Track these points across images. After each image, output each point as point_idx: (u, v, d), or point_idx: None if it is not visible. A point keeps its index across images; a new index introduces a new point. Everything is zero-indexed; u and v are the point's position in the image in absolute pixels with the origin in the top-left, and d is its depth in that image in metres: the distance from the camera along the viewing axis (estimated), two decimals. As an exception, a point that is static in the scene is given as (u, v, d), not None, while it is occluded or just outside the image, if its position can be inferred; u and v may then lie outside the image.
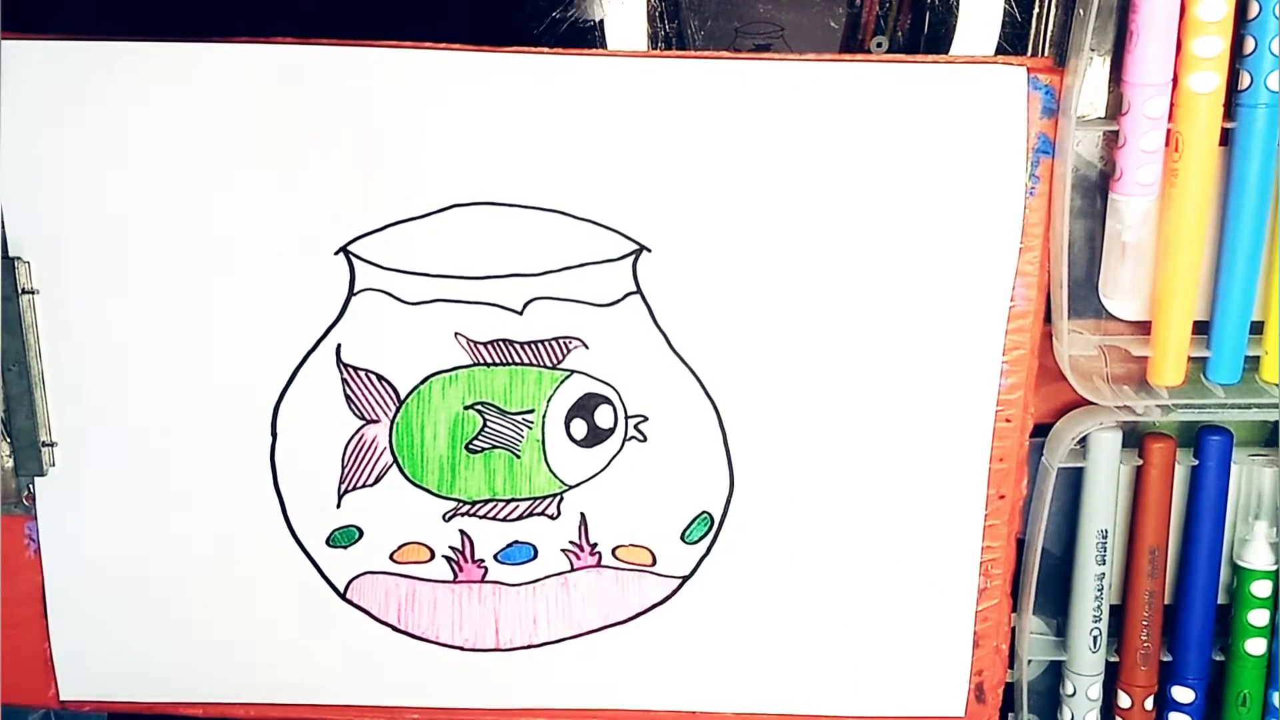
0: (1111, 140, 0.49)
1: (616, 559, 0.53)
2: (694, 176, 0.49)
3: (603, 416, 0.51)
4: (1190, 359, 0.51)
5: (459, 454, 0.52)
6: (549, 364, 0.51)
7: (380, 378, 0.51)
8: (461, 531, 0.53)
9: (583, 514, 0.52)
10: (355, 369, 0.51)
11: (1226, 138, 0.48)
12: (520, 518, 0.52)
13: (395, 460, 0.52)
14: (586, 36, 0.50)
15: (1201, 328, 0.51)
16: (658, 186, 0.49)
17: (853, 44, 0.50)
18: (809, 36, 0.50)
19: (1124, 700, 0.56)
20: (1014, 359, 0.51)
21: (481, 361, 0.50)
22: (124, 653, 0.54)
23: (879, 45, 0.50)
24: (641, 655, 0.54)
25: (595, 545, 0.53)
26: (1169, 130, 0.48)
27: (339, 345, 0.51)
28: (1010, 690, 0.56)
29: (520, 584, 0.53)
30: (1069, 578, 0.54)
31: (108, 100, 0.48)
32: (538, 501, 0.52)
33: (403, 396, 0.51)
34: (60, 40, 0.48)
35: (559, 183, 0.49)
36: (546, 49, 0.48)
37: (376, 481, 0.52)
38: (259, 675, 0.55)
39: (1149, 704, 0.56)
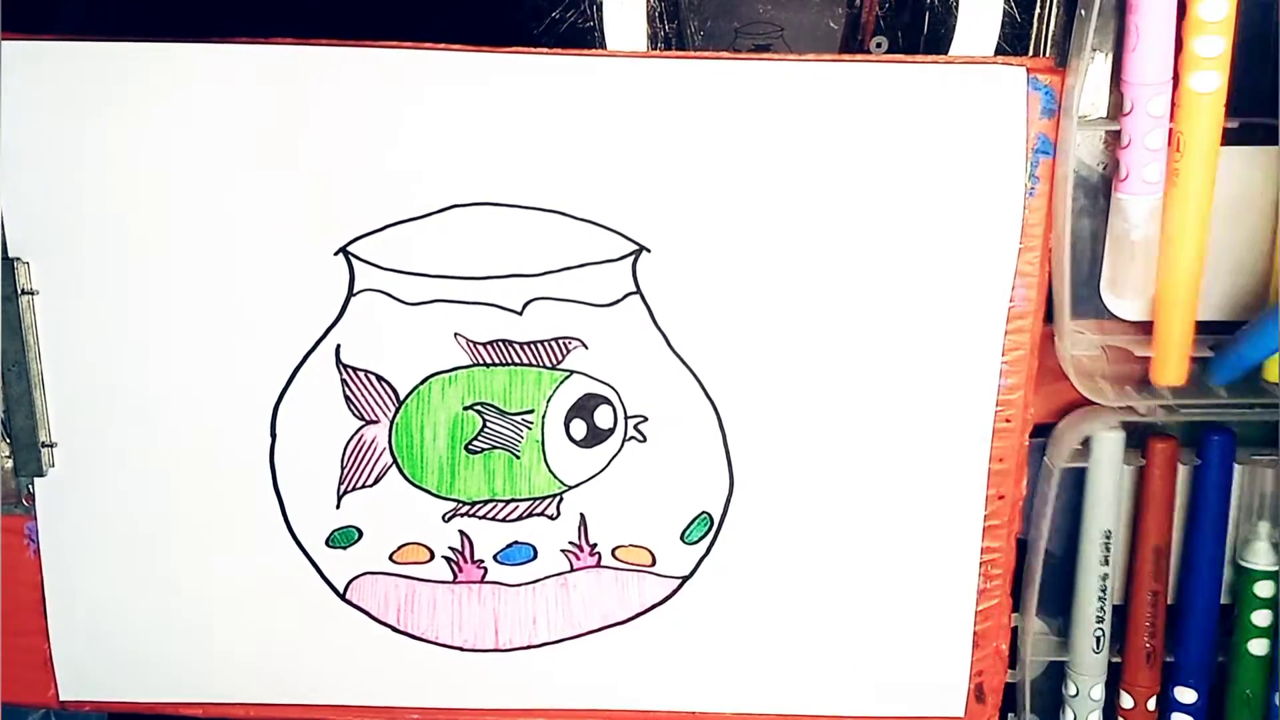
0: (1112, 140, 0.49)
1: (616, 559, 0.53)
2: (694, 177, 0.49)
3: (602, 417, 0.51)
4: (1192, 359, 0.51)
5: (458, 454, 0.52)
6: (548, 364, 0.51)
7: (380, 378, 0.51)
8: (461, 532, 0.53)
9: (582, 514, 0.52)
10: (355, 369, 0.51)
11: (1228, 137, 0.48)
12: (520, 518, 0.52)
13: (395, 461, 0.52)
14: (586, 36, 0.50)
15: (1204, 328, 0.51)
16: (657, 187, 0.49)
17: (853, 44, 0.50)
18: (809, 36, 0.50)
19: (1126, 701, 0.55)
20: (1014, 359, 0.50)
21: (481, 362, 0.50)
22: (124, 653, 0.55)
23: (879, 45, 0.50)
24: (641, 655, 0.54)
25: (595, 545, 0.53)
26: (1170, 130, 0.47)
27: (338, 346, 0.51)
28: (1012, 690, 0.56)
29: (520, 584, 0.53)
30: (1071, 578, 0.54)
31: (108, 100, 0.48)
32: (537, 502, 0.52)
33: (402, 397, 0.51)
34: (60, 40, 0.48)
35: (558, 183, 0.49)
36: (546, 49, 0.48)
37: (376, 482, 0.52)
38: (259, 675, 0.55)
39: (1151, 704, 0.55)
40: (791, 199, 0.49)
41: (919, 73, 0.48)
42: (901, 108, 0.48)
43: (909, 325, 0.50)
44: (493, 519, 0.52)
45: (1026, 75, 0.47)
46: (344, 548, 0.53)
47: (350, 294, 0.50)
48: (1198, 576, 0.54)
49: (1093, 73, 0.48)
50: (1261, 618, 0.54)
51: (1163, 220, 0.49)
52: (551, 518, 0.52)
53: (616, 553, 0.53)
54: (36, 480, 0.52)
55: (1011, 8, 0.49)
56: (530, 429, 0.51)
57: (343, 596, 0.54)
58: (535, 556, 0.53)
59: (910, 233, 0.49)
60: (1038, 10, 0.49)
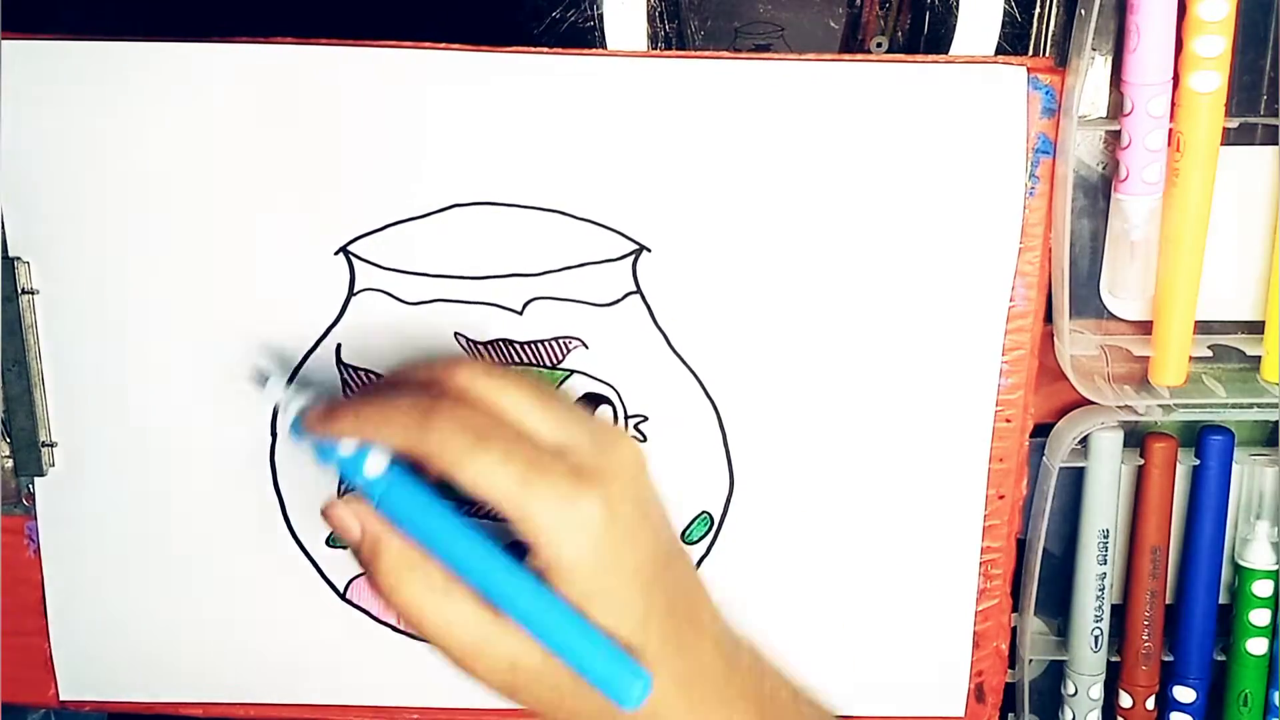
0: (1112, 140, 0.49)
1: (617, 559, 0.53)
2: (694, 176, 0.49)
3: (603, 416, 0.51)
4: (1191, 358, 0.51)
5: (459, 454, 0.51)
6: (549, 364, 0.51)
7: (380, 377, 0.51)
8: (461, 531, 0.53)
9: (583, 514, 0.52)
10: (355, 369, 0.51)
11: (1228, 137, 0.48)
12: (520, 518, 0.52)
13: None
14: (586, 36, 0.50)
15: (1203, 328, 0.51)
16: (657, 186, 0.49)
17: (853, 44, 0.50)
18: (809, 36, 0.50)
19: (1125, 700, 0.56)
20: (1014, 359, 0.50)
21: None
22: (124, 653, 0.54)
23: (879, 45, 0.50)
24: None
25: (595, 545, 0.53)
26: (1170, 130, 0.48)
27: (339, 345, 0.51)
28: (1011, 690, 0.56)
29: (520, 584, 0.53)
30: (1070, 578, 0.54)
31: (108, 100, 0.48)
32: (538, 501, 0.52)
33: (403, 396, 0.51)
34: (60, 40, 0.48)
35: (559, 183, 0.49)
36: (546, 49, 0.48)
37: (376, 481, 0.52)
38: (259, 675, 0.55)
39: (1150, 704, 0.56)
40: (792, 199, 0.49)
41: (919, 72, 0.48)
42: (901, 107, 0.48)
43: (909, 325, 0.50)
44: (493, 518, 0.52)
45: (1026, 75, 0.47)
46: (344, 547, 0.53)
47: (351, 293, 0.50)
48: (1196, 576, 0.54)
49: (1093, 73, 0.48)
50: (1260, 617, 0.54)
51: (1163, 220, 0.49)
52: (552, 517, 0.52)
53: (617, 552, 0.53)
54: (36, 480, 0.52)
55: (1011, 8, 0.49)
56: (531, 429, 0.51)
57: (343, 596, 0.54)
58: (535, 556, 0.53)
59: (910, 232, 0.49)
60: (1038, 10, 0.49)
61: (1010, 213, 0.49)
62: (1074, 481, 0.53)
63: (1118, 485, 0.53)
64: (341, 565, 0.53)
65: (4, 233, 0.50)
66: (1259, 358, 0.51)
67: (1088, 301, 0.52)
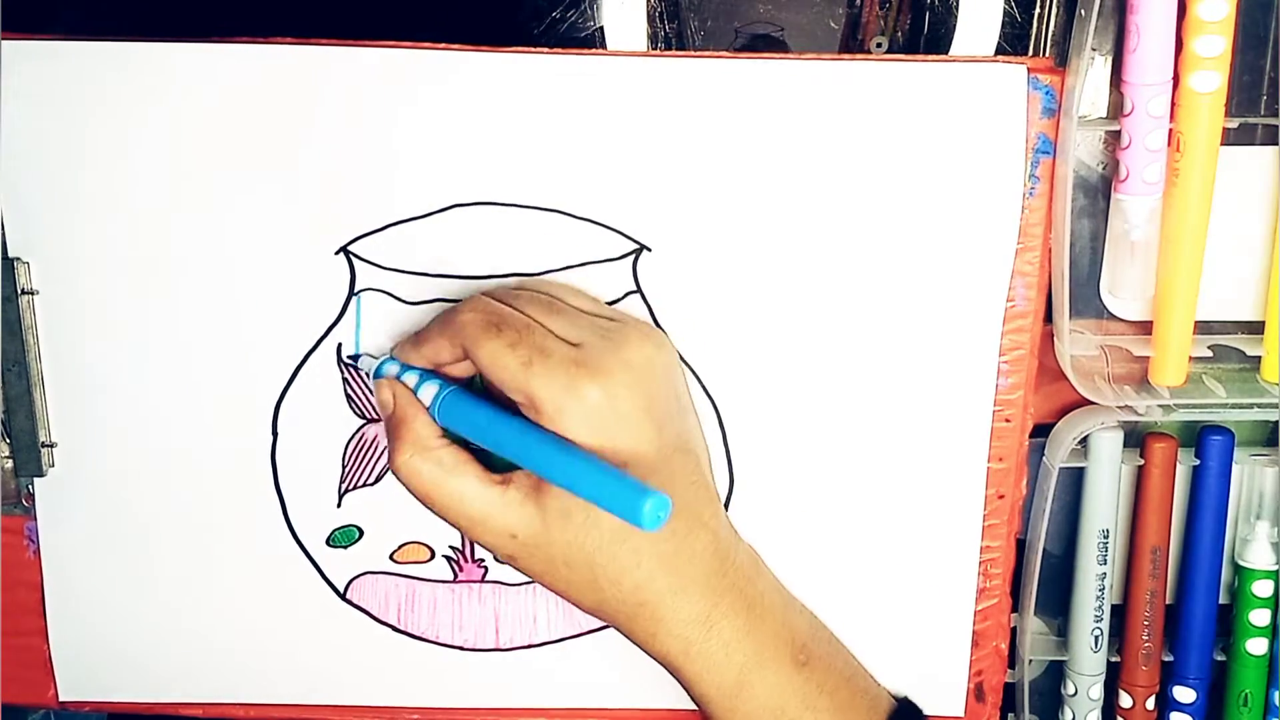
0: (1112, 140, 0.49)
1: (617, 559, 0.53)
2: (694, 176, 0.49)
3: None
4: (1191, 358, 0.51)
5: (459, 454, 0.52)
6: (549, 364, 0.51)
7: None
8: (462, 531, 0.53)
9: (583, 514, 0.52)
10: (357, 369, 0.51)
11: (1228, 137, 0.48)
12: (520, 517, 0.52)
13: (395, 460, 0.52)
14: (586, 36, 0.50)
15: (1203, 328, 0.51)
16: (658, 186, 0.49)
17: (853, 44, 0.50)
18: (809, 36, 0.50)
19: (1125, 700, 0.56)
20: (1013, 359, 0.51)
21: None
22: (124, 653, 0.54)
23: (879, 45, 0.50)
24: (641, 655, 0.54)
25: (595, 545, 0.53)
26: (1170, 130, 0.48)
27: (340, 345, 0.51)
28: (1011, 690, 0.56)
29: (520, 583, 0.53)
30: (1070, 578, 0.54)
31: (107, 100, 0.48)
32: (538, 501, 0.52)
33: (403, 396, 0.51)
34: (60, 40, 0.48)
35: (559, 182, 0.49)
36: (546, 49, 0.48)
37: (377, 481, 0.52)
38: (259, 675, 0.55)
39: (1150, 704, 0.56)
40: (791, 198, 0.49)
41: (919, 72, 0.48)
42: (901, 107, 0.48)
43: (908, 324, 0.50)
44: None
45: (1027, 75, 0.47)
46: (345, 547, 0.53)
47: (351, 293, 0.50)
48: (1196, 576, 0.54)
49: (1093, 73, 0.48)
50: (1260, 617, 0.54)
51: (1163, 220, 0.49)
52: (552, 517, 0.52)
53: (617, 552, 0.53)
54: (36, 480, 0.52)
55: (1011, 8, 0.49)
56: (531, 428, 0.51)
57: (343, 596, 0.54)
58: (536, 556, 0.53)
59: (910, 232, 0.49)
60: (1038, 10, 0.49)
61: (1008, 213, 0.49)
62: (1074, 481, 0.53)
63: (1118, 485, 0.53)
64: (341, 565, 0.53)
65: (4, 233, 0.50)
66: (1259, 358, 0.51)
67: (1088, 301, 0.52)
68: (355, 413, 0.51)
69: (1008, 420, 0.51)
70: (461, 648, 0.54)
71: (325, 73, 0.48)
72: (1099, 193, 0.50)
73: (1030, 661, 0.55)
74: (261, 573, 0.53)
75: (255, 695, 0.55)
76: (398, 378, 0.47)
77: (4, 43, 0.47)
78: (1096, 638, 0.54)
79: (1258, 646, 0.55)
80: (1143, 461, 0.53)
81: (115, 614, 0.54)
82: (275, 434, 0.52)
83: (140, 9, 0.50)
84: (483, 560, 0.53)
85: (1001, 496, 0.52)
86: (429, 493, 0.45)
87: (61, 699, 0.55)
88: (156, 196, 0.49)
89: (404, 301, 0.50)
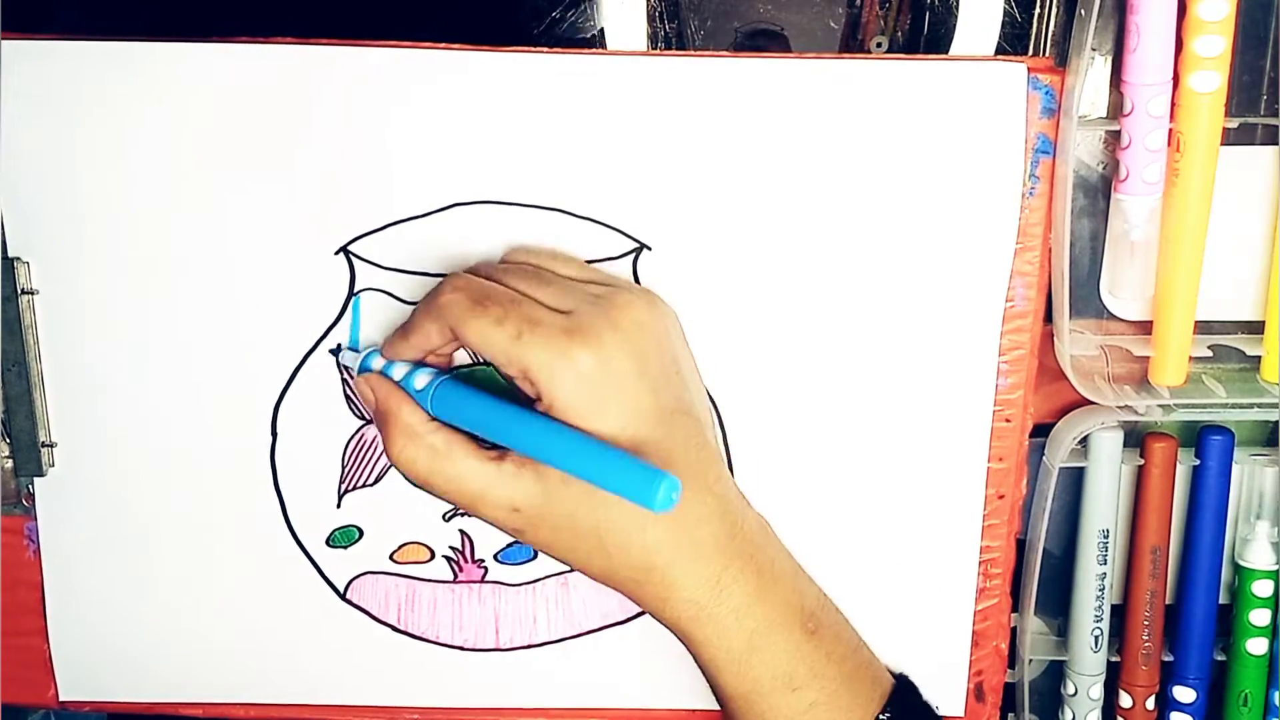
0: (1112, 140, 0.49)
1: (617, 559, 0.53)
2: (694, 175, 0.49)
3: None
4: (1191, 358, 0.51)
5: (459, 454, 0.52)
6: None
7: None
8: (461, 531, 0.53)
9: (583, 514, 0.52)
10: (347, 366, 0.51)
11: (1228, 137, 0.48)
12: (520, 517, 0.52)
13: (395, 460, 0.52)
14: (586, 36, 0.50)
15: (1203, 328, 0.51)
16: (658, 185, 0.49)
17: (853, 44, 0.50)
18: (809, 36, 0.50)
19: (1125, 700, 0.56)
20: (1013, 359, 0.51)
21: (482, 361, 0.50)
22: (124, 653, 0.54)
23: (879, 45, 0.50)
24: (641, 655, 0.54)
25: (595, 545, 0.53)
26: (1170, 130, 0.48)
27: (339, 345, 0.51)
28: (1011, 690, 0.56)
29: (520, 584, 0.53)
30: (1070, 578, 0.54)
31: (107, 100, 0.48)
32: (538, 501, 0.52)
33: (403, 396, 0.51)
34: (60, 40, 0.48)
35: (559, 182, 0.49)
36: (546, 49, 0.48)
37: (376, 481, 0.52)
38: (259, 675, 0.55)
39: (1150, 704, 0.56)
40: (791, 197, 0.49)
41: (919, 72, 0.48)
42: (901, 107, 0.48)
43: (907, 323, 0.50)
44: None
45: (1027, 75, 0.47)
46: (344, 547, 0.53)
47: (351, 293, 0.50)
48: (1196, 576, 0.54)
49: (1093, 73, 0.48)
50: (1260, 617, 0.54)
51: (1163, 220, 0.49)
52: (552, 517, 0.52)
53: (617, 552, 0.53)
54: (36, 480, 0.52)
55: (1011, 8, 0.49)
56: (531, 428, 0.51)
57: (343, 596, 0.54)
58: (535, 556, 0.53)
59: (909, 231, 0.49)
60: (1038, 10, 0.49)
61: (1007, 212, 0.49)
62: (1074, 481, 0.53)
63: (1118, 485, 0.53)
64: (341, 565, 0.53)
65: (4, 233, 0.50)
66: (1259, 358, 0.51)
67: (1088, 301, 0.52)
68: (355, 413, 0.51)
69: (1008, 420, 0.51)
70: (461, 648, 0.54)
71: (325, 73, 0.48)
72: (1099, 193, 0.50)
73: (1030, 661, 0.55)
74: (261, 573, 0.53)
75: (255, 695, 0.55)
76: (384, 372, 0.47)
77: (4, 43, 0.47)
78: (1096, 638, 0.54)
79: (1258, 646, 0.55)
80: (1143, 461, 0.53)
81: (115, 614, 0.54)
82: (275, 434, 0.52)
83: (140, 9, 0.50)
84: (483, 560, 0.53)
85: (1001, 496, 0.52)
86: (427, 478, 0.45)
87: (61, 699, 0.55)
88: (156, 196, 0.49)
89: (404, 301, 0.50)
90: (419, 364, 0.47)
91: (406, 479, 0.46)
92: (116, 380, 0.51)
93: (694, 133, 0.48)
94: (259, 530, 0.53)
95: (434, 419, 0.45)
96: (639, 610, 0.53)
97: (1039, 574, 0.53)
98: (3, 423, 0.51)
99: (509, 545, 0.53)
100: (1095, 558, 0.53)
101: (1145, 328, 0.52)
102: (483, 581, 0.53)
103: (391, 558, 0.53)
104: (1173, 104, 0.47)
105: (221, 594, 0.54)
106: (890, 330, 0.50)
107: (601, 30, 0.50)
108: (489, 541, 0.53)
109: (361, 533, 0.53)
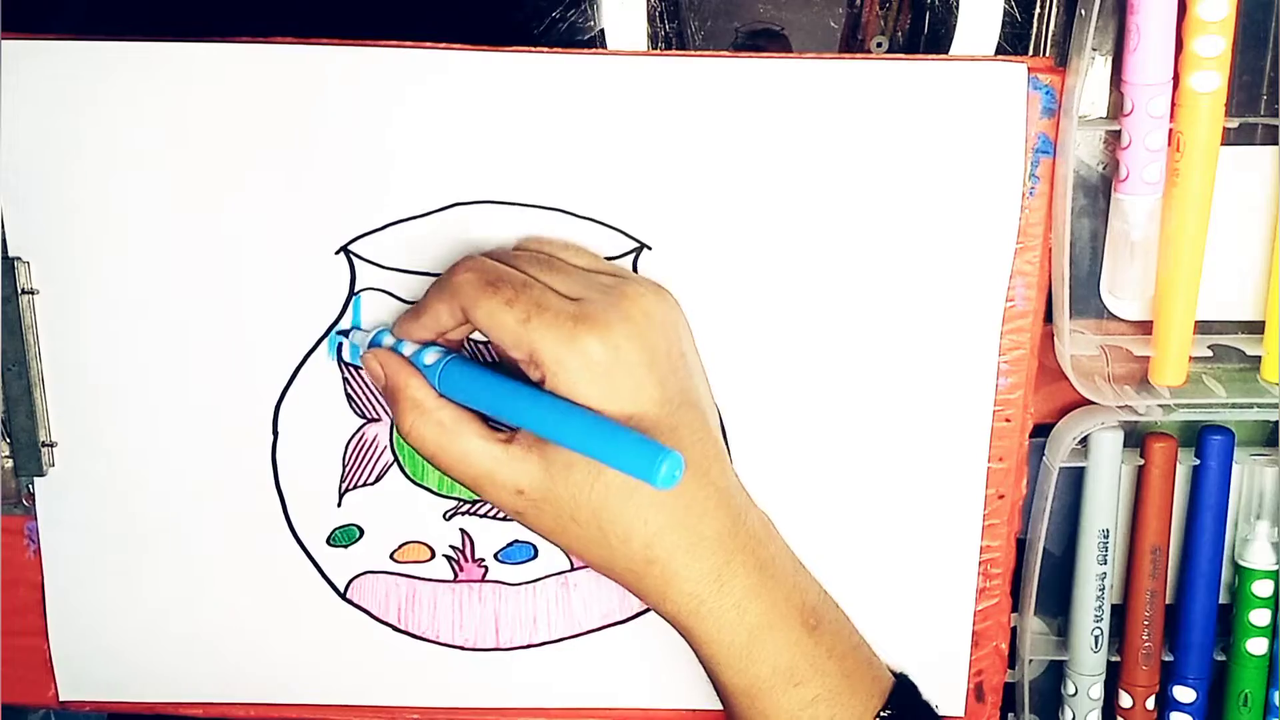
0: (1112, 140, 0.49)
1: (617, 559, 0.53)
2: (694, 175, 0.49)
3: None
4: (1191, 358, 0.51)
5: (459, 453, 0.52)
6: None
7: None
8: (462, 530, 0.53)
9: (583, 513, 0.52)
10: (356, 368, 0.51)
11: (1228, 137, 0.48)
12: (521, 517, 0.52)
13: (396, 459, 0.52)
14: (586, 36, 0.50)
15: (1203, 328, 0.51)
16: (658, 185, 0.49)
17: (853, 44, 0.50)
18: (809, 36, 0.50)
19: (1125, 700, 0.56)
20: (1013, 359, 0.51)
21: (482, 361, 0.50)
22: (124, 653, 0.54)
23: (879, 45, 0.50)
24: (641, 655, 0.54)
25: (596, 545, 0.53)
26: (1170, 130, 0.48)
27: (340, 345, 0.51)
28: (1011, 690, 0.56)
29: (520, 583, 0.53)
30: (1070, 577, 0.54)
31: (108, 100, 0.48)
32: (538, 501, 0.52)
33: (403, 396, 0.51)
34: (60, 40, 0.48)
35: (559, 181, 0.49)
36: (546, 49, 0.48)
37: (377, 480, 0.52)
38: (259, 675, 0.55)
39: (1150, 704, 0.56)
40: (791, 197, 0.49)
41: (919, 71, 0.48)
42: (901, 106, 0.48)
43: (907, 323, 0.50)
44: (494, 517, 0.52)
45: (1027, 75, 0.47)
46: (345, 546, 0.53)
47: (351, 293, 0.50)
48: (1196, 576, 0.54)
49: (1093, 73, 0.48)
50: (1260, 617, 0.54)
51: (1163, 220, 0.49)
52: (552, 517, 0.52)
53: (617, 552, 0.53)
54: (36, 480, 0.52)
55: (1011, 8, 0.49)
56: (531, 428, 0.51)
57: (343, 596, 0.54)
58: (536, 555, 0.53)
59: (909, 231, 0.49)
60: (1038, 10, 0.49)
61: (1008, 212, 0.49)
62: (1074, 481, 0.53)
63: (1118, 485, 0.53)
64: (342, 565, 0.53)
65: (4, 233, 0.50)
66: (1259, 358, 0.51)
67: (1088, 301, 0.52)
68: (355, 412, 0.51)
69: (1008, 420, 0.51)
70: (462, 647, 0.54)
71: (325, 72, 0.48)
72: (1099, 193, 0.50)
73: (1030, 661, 0.55)
74: (262, 572, 0.53)
75: (255, 695, 0.55)
76: (394, 349, 0.47)
77: (4, 43, 0.47)
78: (1096, 638, 0.54)
79: (1258, 646, 0.55)
80: (1143, 461, 0.53)
81: (115, 614, 0.54)
82: (275, 433, 0.52)
83: (140, 9, 0.50)
84: (483, 560, 0.53)
85: (1001, 496, 0.52)
86: (435, 454, 0.45)
87: (61, 699, 0.55)
88: (156, 196, 0.49)
89: (404, 301, 0.50)
90: (428, 344, 0.47)
91: (419, 455, 0.46)
92: (116, 380, 0.51)
93: (694, 133, 0.48)
94: (259, 529, 0.53)
95: (443, 396, 0.45)
96: (639, 610, 0.54)
97: (1039, 574, 0.53)
98: (3, 423, 0.51)
99: (510, 545, 0.53)
100: (1095, 558, 0.53)
101: (1145, 328, 0.52)
102: (483, 581, 0.53)
103: (392, 557, 0.53)
104: (1173, 104, 0.47)
105: (222, 593, 0.54)
106: (890, 330, 0.50)
107: (602, 30, 0.50)
108: (489, 541, 0.53)
109: (362, 532, 0.53)
